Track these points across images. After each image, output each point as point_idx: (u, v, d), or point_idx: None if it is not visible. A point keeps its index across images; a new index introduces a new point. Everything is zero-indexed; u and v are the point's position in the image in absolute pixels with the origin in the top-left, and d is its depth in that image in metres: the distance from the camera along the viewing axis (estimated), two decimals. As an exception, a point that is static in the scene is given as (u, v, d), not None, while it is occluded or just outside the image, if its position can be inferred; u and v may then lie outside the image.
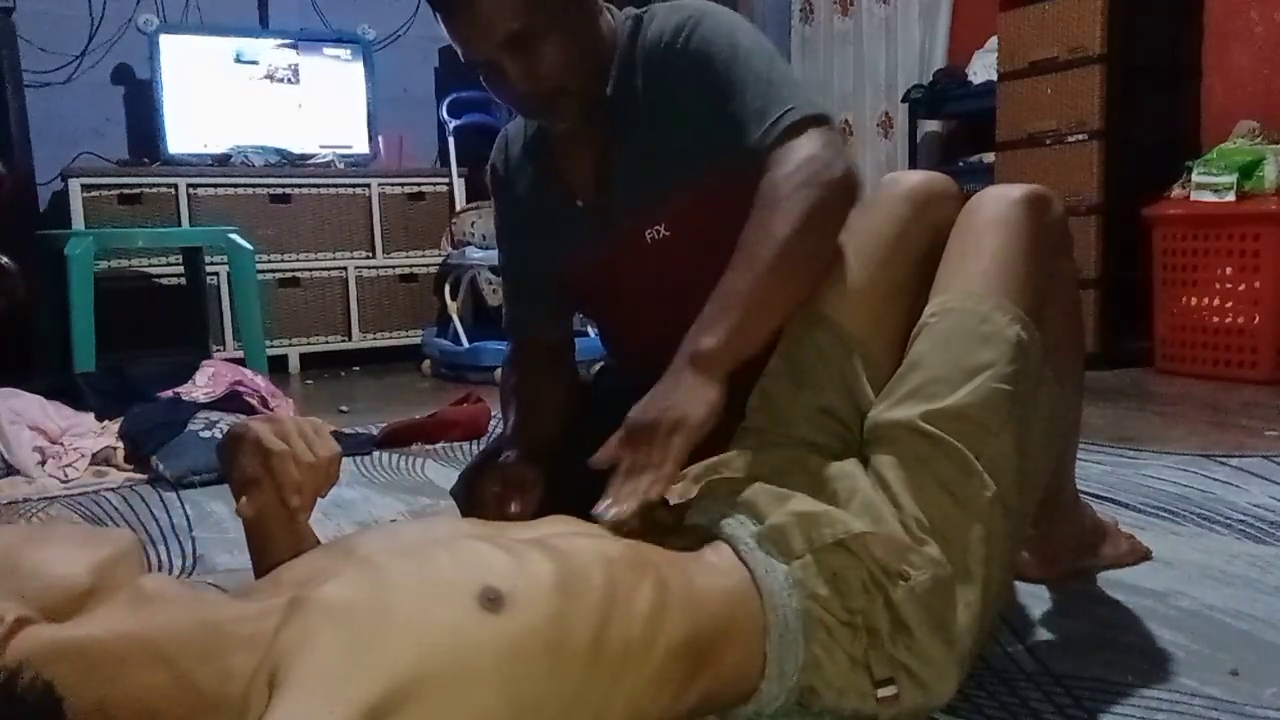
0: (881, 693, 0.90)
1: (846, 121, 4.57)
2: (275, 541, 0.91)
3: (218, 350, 3.69)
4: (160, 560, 1.61)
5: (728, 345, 1.03)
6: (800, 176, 1.09)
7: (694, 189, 1.21)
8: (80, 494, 2.06)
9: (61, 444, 2.27)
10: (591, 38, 1.21)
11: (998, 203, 1.07)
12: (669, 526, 1.01)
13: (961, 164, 3.87)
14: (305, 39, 4.18)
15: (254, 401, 2.62)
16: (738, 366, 1.04)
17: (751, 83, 1.16)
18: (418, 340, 4.11)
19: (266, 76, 4.10)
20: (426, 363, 3.90)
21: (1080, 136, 3.26)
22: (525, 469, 1.24)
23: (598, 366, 1.67)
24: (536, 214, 1.36)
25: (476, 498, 1.25)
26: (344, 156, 4.19)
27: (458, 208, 4.16)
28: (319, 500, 0.92)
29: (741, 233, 1.09)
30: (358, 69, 4.23)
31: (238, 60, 4.04)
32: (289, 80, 4.14)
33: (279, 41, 4.12)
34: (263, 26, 4.28)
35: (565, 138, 1.29)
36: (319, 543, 0.98)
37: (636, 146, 1.24)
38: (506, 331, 1.45)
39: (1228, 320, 3.01)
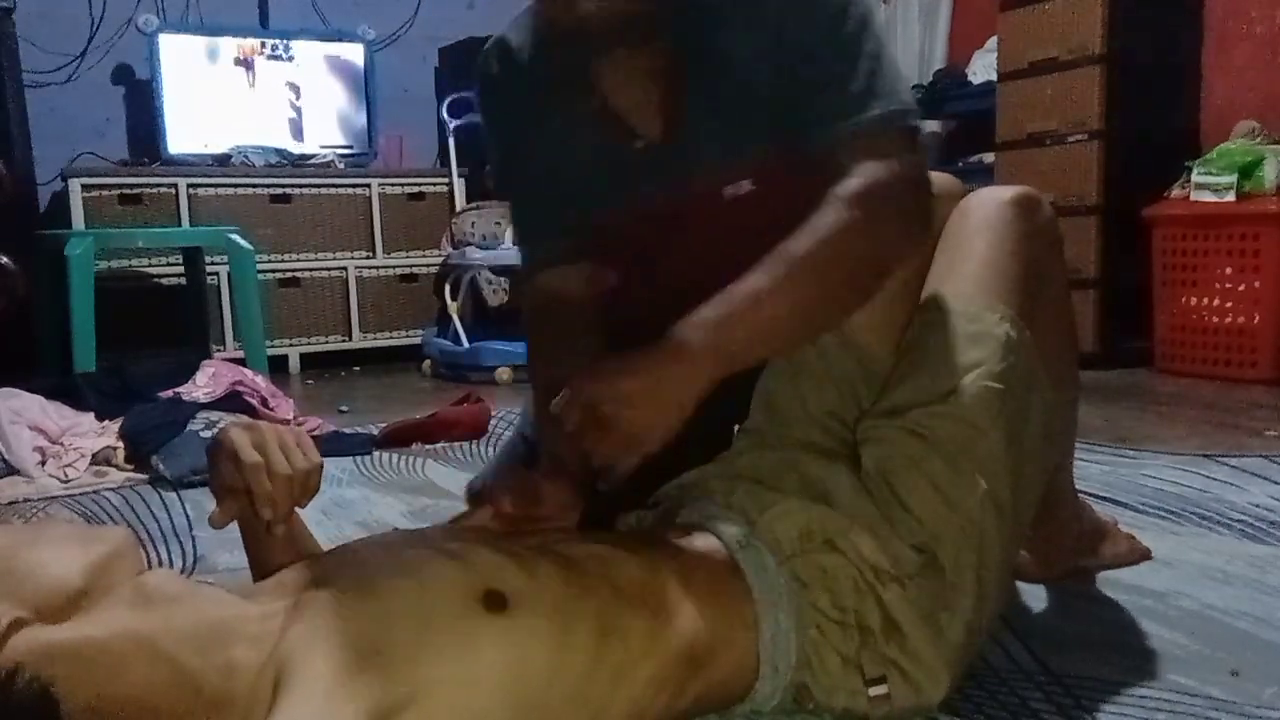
0: (873, 691, 0.90)
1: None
2: (267, 545, 0.91)
3: (218, 350, 3.68)
4: (160, 560, 1.60)
5: (719, 339, 0.89)
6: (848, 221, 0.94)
7: (785, 141, 1.02)
8: (80, 494, 2.06)
9: (61, 444, 2.27)
10: None
11: (987, 204, 1.07)
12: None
13: (961, 164, 3.86)
14: (305, 39, 4.18)
15: (254, 401, 2.62)
16: (724, 370, 0.90)
17: (842, 62, 0.99)
18: (418, 340, 4.11)
19: (266, 76, 4.09)
20: (427, 363, 3.90)
21: (1080, 136, 3.26)
22: (560, 490, 0.99)
23: None
24: (574, 146, 1.12)
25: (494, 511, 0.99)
26: (344, 156, 4.19)
27: (458, 208, 4.16)
28: (319, 500, 0.92)
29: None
30: (358, 69, 4.23)
31: (238, 60, 4.04)
32: (289, 80, 4.14)
33: (279, 41, 4.12)
34: (263, 26, 4.28)
35: (619, 63, 1.06)
36: (316, 546, 0.98)
37: (716, 84, 1.03)
38: (523, 279, 1.22)
39: (1228, 320, 3.01)
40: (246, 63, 4.05)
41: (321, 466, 0.88)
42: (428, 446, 2.44)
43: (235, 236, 3.26)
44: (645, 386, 0.88)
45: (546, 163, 1.15)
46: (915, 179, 1.01)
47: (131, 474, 2.20)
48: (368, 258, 4.13)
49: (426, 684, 0.70)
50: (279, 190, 3.96)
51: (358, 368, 4.09)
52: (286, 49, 4.12)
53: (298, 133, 4.17)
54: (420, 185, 4.24)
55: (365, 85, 4.24)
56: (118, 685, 0.67)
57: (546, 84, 1.12)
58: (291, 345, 4.01)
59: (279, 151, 4.05)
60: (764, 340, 0.94)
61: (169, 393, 2.56)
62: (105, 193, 3.67)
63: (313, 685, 0.67)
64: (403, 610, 0.74)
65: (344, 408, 3.05)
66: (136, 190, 3.72)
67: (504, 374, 3.50)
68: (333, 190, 4.07)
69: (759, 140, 1.03)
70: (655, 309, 1.08)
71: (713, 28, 1.02)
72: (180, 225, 3.76)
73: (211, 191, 3.84)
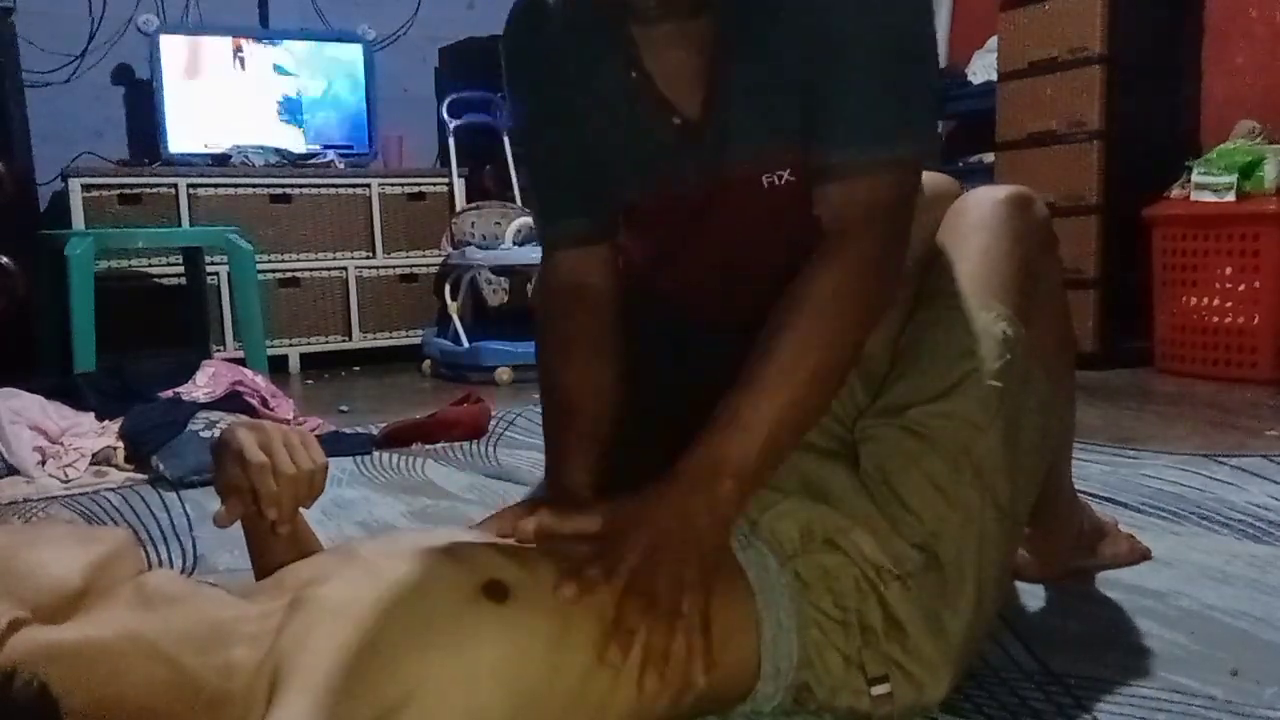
0: (875, 690, 0.90)
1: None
2: (270, 544, 0.91)
3: (218, 350, 3.68)
4: (160, 560, 1.60)
5: (740, 448, 0.88)
6: (847, 282, 0.93)
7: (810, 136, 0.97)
8: (80, 494, 2.06)
9: (61, 444, 2.27)
10: None
11: (982, 204, 1.08)
12: None
13: (961, 164, 3.86)
14: (305, 39, 4.18)
15: (254, 401, 2.62)
16: (751, 485, 0.90)
17: (878, 74, 0.93)
18: (418, 340, 4.11)
19: (266, 76, 4.09)
20: (427, 363, 3.90)
21: (1080, 137, 3.26)
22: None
23: None
24: (606, 117, 1.05)
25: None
26: (344, 156, 4.19)
27: (458, 208, 4.16)
28: (320, 500, 0.92)
29: (768, 329, 0.92)
30: (358, 69, 4.23)
31: (238, 60, 4.04)
32: (289, 80, 4.14)
33: (279, 41, 4.12)
34: (263, 26, 4.28)
35: (662, 36, 0.99)
36: (320, 547, 0.98)
37: (760, 67, 0.97)
38: (542, 258, 1.15)
39: (1228, 320, 3.01)
40: (246, 62, 4.05)
41: (326, 467, 0.88)
42: (428, 446, 2.44)
43: (235, 236, 3.25)
44: (674, 525, 0.85)
45: (574, 133, 1.08)
46: (904, 217, 0.98)
47: (131, 474, 2.20)
48: (368, 258, 4.13)
49: (425, 682, 0.70)
50: (279, 190, 3.96)
51: (358, 368, 4.08)
52: (286, 49, 4.12)
53: (298, 132, 4.17)
54: (420, 185, 4.24)
55: (365, 85, 4.24)
56: (117, 685, 0.67)
57: (581, 50, 1.04)
58: (291, 345, 4.01)
59: (279, 151, 4.05)
60: (783, 438, 0.92)
61: (169, 393, 2.56)
62: (105, 193, 3.67)
63: (309, 683, 0.67)
64: (402, 608, 0.74)
65: (344, 408, 3.05)
66: (136, 190, 3.72)
67: (504, 374, 3.50)
68: (333, 190, 4.07)
69: (802, 129, 0.97)
70: (681, 300, 1.10)
71: (762, 6, 0.96)
72: (180, 225, 3.76)
73: (211, 191, 3.84)
